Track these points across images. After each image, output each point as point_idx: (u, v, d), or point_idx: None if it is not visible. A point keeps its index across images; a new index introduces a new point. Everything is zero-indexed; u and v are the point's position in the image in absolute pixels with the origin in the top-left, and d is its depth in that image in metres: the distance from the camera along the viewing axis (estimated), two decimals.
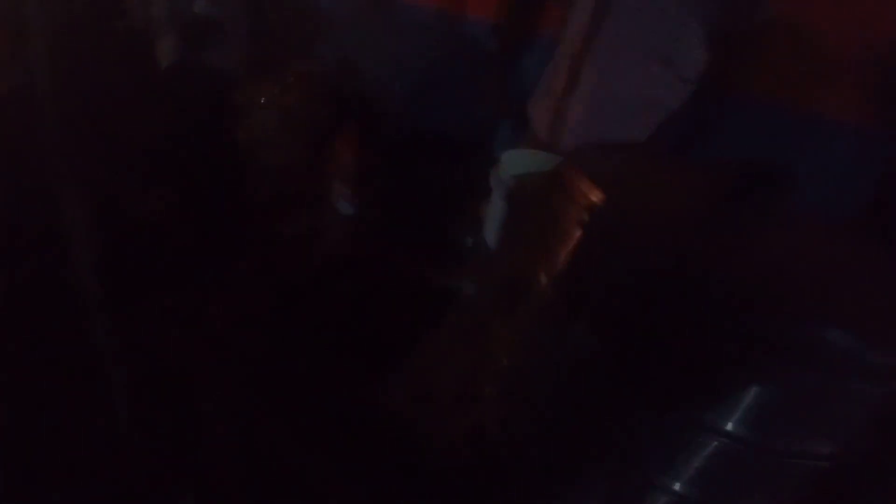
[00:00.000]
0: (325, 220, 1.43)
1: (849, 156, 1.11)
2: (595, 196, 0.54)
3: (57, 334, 1.31)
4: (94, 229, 1.22)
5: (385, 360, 0.88)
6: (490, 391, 0.70)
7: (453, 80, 1.66)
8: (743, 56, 1.08)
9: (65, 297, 1.26)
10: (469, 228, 1.19)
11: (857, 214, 1.08)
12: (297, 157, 1.72)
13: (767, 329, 0.49)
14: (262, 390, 0.92)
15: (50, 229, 1.27)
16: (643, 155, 0.69)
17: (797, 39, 1.07)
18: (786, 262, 0.56)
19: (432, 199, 1.33)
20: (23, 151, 1.35)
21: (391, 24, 1.82)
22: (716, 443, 0.54)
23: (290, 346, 0.98)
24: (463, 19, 1.68)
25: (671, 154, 0.77)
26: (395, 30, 1.83)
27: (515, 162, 1.17)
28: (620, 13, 1.04)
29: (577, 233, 0.57)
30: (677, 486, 0.57)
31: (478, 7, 1.59)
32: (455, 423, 0.73)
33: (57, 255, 1.27)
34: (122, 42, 1.63)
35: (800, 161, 1.07)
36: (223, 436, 1.07)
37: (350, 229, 1.37)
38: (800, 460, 0.53)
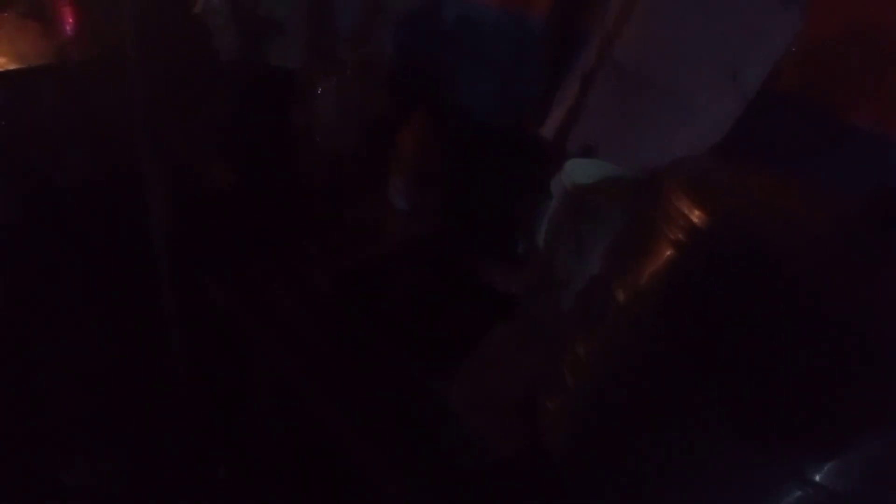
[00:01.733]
0: (379, 212, 1.43)
1: None
2: (698, 217, 0.51)
3: (126, 298, 1.36)
4: (167, 198, 1.26)
5: (442, 361, 0.87)
6: (552, 406, 0.68)
7: (518, 78, 1.63)
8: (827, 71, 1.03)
9: (136, 264, 1.30)
10: (524, 233, 1.17)
11: None
12: (354, 146, 1.72)
13: None
14: (315, 375, 0.92)
15: (124, 194, 1.32)
16: (747, 172, 0.64)
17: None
18: None
19: (489, 201, 1.30)
20: (107, 117, 1.41)
21: (455, 20, 1.80)
22: (801, 492, 0.51)
23: (343, 333, 0.98)
24: (528, 17, 1.64)
25: (775, 173, 0.73)
26: (460, 25, 1.81)
27: (580, 170, 1.14)
28: (688, 20, 1.01)
29: (672, 253, 0.54)
30: None
31: (540, 5, 1.55)
32: (512, 433, 0.71)
33: (130, 222, 1.31)
34: (197, 30, 1.68)
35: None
36: (270, 415, 1.08)
37: (403, 225, 1.37)
38: None
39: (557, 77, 1.38)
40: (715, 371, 0.52)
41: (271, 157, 1.59)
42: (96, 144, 1.66)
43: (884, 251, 0.51)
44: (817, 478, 0.50)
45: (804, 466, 0.49)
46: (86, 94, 1.61)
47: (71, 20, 1.67)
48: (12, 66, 1.58)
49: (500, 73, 1.63)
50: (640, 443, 0.58)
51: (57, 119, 1.61)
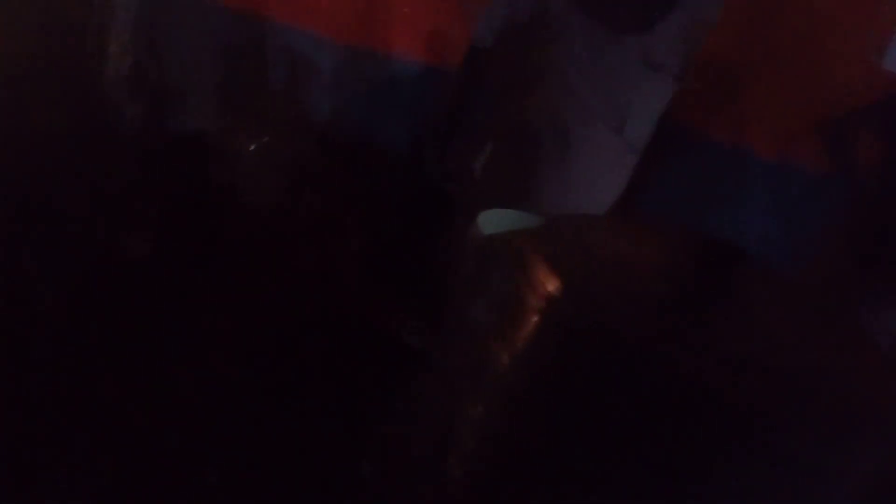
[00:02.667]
0: (306, 264, 1.43)
1: (797, 197, 1.18)
2: (552, 286, 0.56)
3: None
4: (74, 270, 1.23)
5: (354, 422, 0.88)
6: (456, 465, 0.70)
7: (433, 131, 1.71)
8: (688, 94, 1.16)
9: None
10: (439, 287, 1.20)
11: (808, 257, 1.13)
12: (283, 201, 1.74)
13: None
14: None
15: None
16: (602, 226, 0.71)
17: (741, 77, 1.15)
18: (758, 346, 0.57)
19: (405, 255, 1.34)
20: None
21: (376, 76, 1.87)
22: None
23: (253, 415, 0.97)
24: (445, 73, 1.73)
25: (629, 219, 0.81)
26: (382, 82, 1.88)
27: (491, 221, 1.19)
28: (574, 79, 1.13)
29: (535, 319, 0.58)
30: None
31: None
32: (423, 491, 0.72)
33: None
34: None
35: (745, 201, 1.13)
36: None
37: (329, 275, 1.38)
38: None
39: (467, 131, 1.47)
40: (583, 425, 0.56)
41: (189, 222, 1.57)
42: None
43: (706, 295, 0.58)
44: None
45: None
46: None
47: None
48: None
49: (416, 127, 1.70)
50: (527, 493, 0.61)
51: None
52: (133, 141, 1.66)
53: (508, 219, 1.20)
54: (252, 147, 1.81)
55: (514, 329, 0.61)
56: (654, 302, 0.61)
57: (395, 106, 1.79)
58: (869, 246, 1.13)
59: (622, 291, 0.59)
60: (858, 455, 0.56)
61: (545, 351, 0.59)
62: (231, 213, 1.65)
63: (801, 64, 1.13)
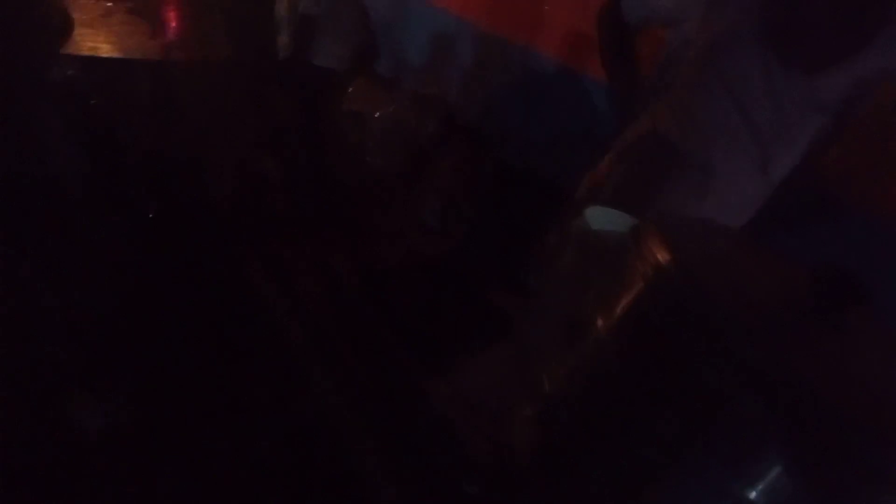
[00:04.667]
0: (410, 227, 1.55)
1: None
2: (663, 256, 0.60)
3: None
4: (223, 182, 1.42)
5: (439, 363, 0.96)
6: (528, 414, 0.76)
7: (558, 128, 1.75)
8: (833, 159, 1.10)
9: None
10: (536, 265, 1.26)
11: None
12: (398, 166, 1.88)
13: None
14: (323, 359, 1.02)
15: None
16: (722, 233, 0.73)
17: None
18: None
19: (510, 232, 1.41)
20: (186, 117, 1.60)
21: (515, 68, 1.94)
22: None
23: (358, 327, 1.09)
24: (583, 77, 1.77)
25: (750, 240, 0.81)
26: (517, 73, 1.95)
27: (597, 217, 1.23)
28: (728, 104, 1.09)
29: (640, 287, 0.63)
30: None
31: (598, 69, 1.68)
32: (490, 437, 0.79)
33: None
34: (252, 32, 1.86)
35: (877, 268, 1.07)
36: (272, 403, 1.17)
37: (430, 241, 1.49)
38: None
39: (599, 136, 1.49)
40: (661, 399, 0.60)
41: (320, 160, 1.75)
42: (171, 137, 1.86)
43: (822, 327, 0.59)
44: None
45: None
46: (179, 95, 1.82)
47: (174, 24, 1.91)
48: (114, 55, 1.80)
49: (547, 126, 1.76)
50: (591, 453, 0.66)
51: (145, 113, 1.82)
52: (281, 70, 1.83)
53: (616, 217, 1.23)
54: (377, 114, 1.96)
55: (615, 294, 0.66)
56: (761, 309, 0.62)
57: (524, 98, 1.86)
58: None
59: (730, 286, 0.61)
60: None
61: (641, 320, 0.64)
62: (356, 165, 1.82)
63: None
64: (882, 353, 0.73)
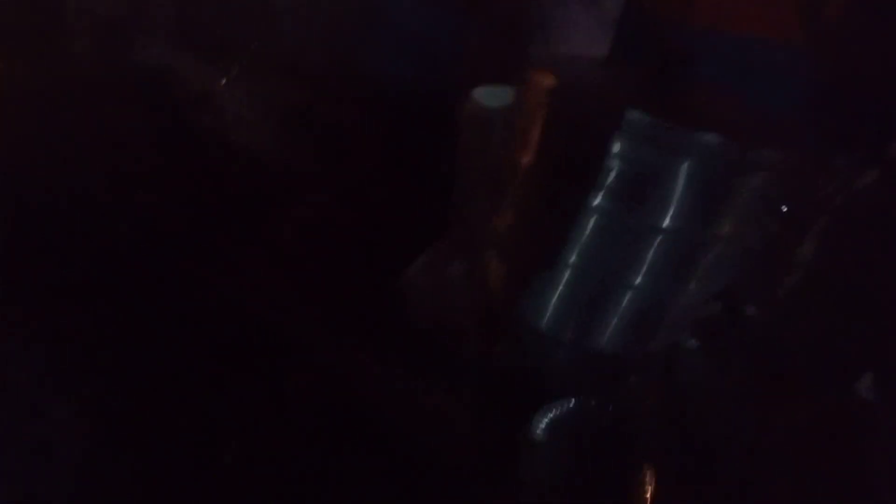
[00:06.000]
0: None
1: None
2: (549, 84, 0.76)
3: None
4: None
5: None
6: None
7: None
8: None
9: None
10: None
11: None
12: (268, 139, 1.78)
13: None
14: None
15: None
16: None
17: None
18: None
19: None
20: None
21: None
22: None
23: None
24: None
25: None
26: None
27: (487, 95, 1.37)
28: None
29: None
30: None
31: None
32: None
33: None
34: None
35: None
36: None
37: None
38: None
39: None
40: None
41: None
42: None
43: None
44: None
45: None
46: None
47: None
48: None
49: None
50: None
51: None
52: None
53: (500, 92, 1.38)
54: (223, 82, 1.78)
55: (524, 136, 0.81)
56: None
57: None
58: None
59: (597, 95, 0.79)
60: None
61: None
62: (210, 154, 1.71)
63: None
64: None
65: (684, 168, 0.76)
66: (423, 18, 1.77)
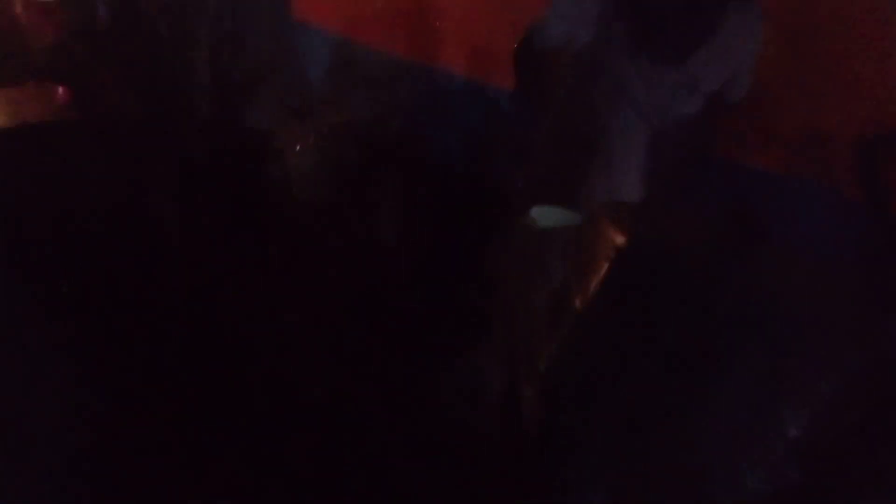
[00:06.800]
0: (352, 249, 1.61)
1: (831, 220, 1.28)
2: (619, 238, 0.76)
3: None
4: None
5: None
6: (529, 395, 0.89)
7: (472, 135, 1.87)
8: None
9: None
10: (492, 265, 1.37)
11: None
12: (329, 198, 1.91)
13: None
14: None
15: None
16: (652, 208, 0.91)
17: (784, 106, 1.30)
18: None
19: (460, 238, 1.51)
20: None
21: (418, 86, 2.03)
22: None
23: None
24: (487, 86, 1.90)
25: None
26: (424, 92, 2.04)
27: (543, 215, 1.39)
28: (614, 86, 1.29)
29: (606, 268, 0.79)
30: None
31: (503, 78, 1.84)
32: (499, 416, 0.91)
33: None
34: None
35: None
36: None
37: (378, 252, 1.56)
38: None
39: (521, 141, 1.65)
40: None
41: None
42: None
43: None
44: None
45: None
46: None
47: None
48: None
49: (461, 134, 1.88)
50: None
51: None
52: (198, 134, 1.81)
53: (557, 214, 1.40)
54: (297, 147, 1.98)
55: (586, 277, 0.81)
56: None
57: (437, 116, 1.97)
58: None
59: (668, 247, 0.79)
60: None
61: (611, 292, 0.79)
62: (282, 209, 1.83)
63: (836, 86, 1.27)
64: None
65: None
66: (493, 121, 1.87)
